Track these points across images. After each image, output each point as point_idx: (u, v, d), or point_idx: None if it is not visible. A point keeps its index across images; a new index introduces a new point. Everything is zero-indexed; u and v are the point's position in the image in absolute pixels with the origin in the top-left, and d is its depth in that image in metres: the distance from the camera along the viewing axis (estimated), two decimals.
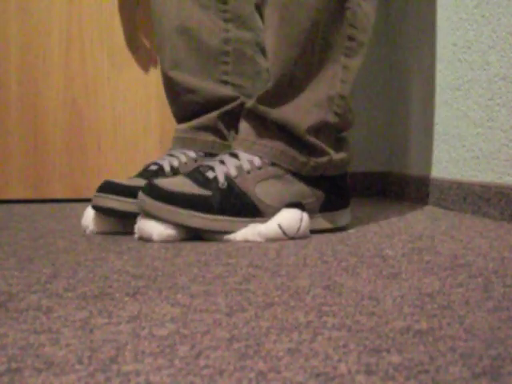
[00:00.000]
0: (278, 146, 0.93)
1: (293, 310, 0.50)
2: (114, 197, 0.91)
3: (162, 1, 1.09)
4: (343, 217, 0.98)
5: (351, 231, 0.95)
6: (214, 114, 1.11)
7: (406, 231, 0.92)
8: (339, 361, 0.38)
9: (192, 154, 1.07)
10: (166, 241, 0.85)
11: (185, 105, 1.12)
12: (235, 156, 0.92)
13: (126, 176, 1.51)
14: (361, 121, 1.57)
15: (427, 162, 1.37)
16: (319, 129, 0.94)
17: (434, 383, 0.34)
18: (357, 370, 0.36)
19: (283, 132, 0.93)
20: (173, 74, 1.10)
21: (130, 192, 0.92)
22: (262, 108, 0.93)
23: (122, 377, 0.36)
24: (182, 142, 1.10)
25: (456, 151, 1.23)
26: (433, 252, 0.75)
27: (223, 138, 1.12)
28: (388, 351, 0.39)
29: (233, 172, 0.90)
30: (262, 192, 0.90)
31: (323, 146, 0.94)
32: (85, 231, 0.96)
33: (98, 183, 1.52)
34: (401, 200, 1.47)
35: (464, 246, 0.79)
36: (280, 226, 0.85)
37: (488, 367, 0.36)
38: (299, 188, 0.93)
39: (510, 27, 1.04)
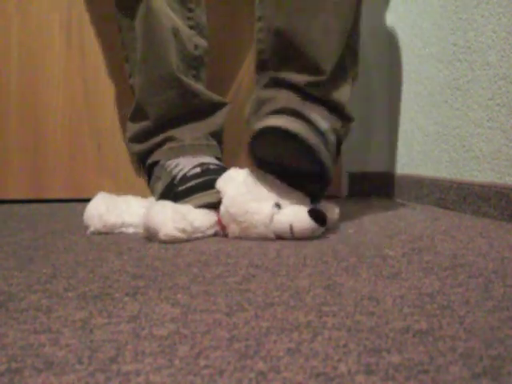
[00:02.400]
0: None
1: (293, 310, 0.50)
2: None
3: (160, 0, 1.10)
4: None
5: (351, 231, 0.95)
6: (219, 119, 1.12)
7: (405, 231, 0.92)
8: (339, 361, 0.38)
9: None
10: (170, 242, 0.85)
11: (191, 109, 1.11)
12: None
13: (126, 176, 1.52)
14: (361, 121, 1.57)
15: (427, 161, 1.37)
16: None
17: (433, 383, 0.34)
18: (357, 370, 0.36)
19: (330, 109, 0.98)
20: (181, 76, 1.09)
21: None
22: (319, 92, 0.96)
23: (122, 377, 0.36)
24: (198, 150, 1.09)
25: (456, 151, 1.23)
26: (433, 252, 0.75)
27: (221, 143, 1.14)
28: (388, 351, 0.39)
29: None
30: None
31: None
32: (86, 230, 0.95)
33: (98, 183, 1.54)
34: (401, 200, 1.47)
35: (464, 246, 0.79)
36: (291, 227, 0.84)
37: (488, 367, 0.36)
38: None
39: (510, 27, 1.04)
